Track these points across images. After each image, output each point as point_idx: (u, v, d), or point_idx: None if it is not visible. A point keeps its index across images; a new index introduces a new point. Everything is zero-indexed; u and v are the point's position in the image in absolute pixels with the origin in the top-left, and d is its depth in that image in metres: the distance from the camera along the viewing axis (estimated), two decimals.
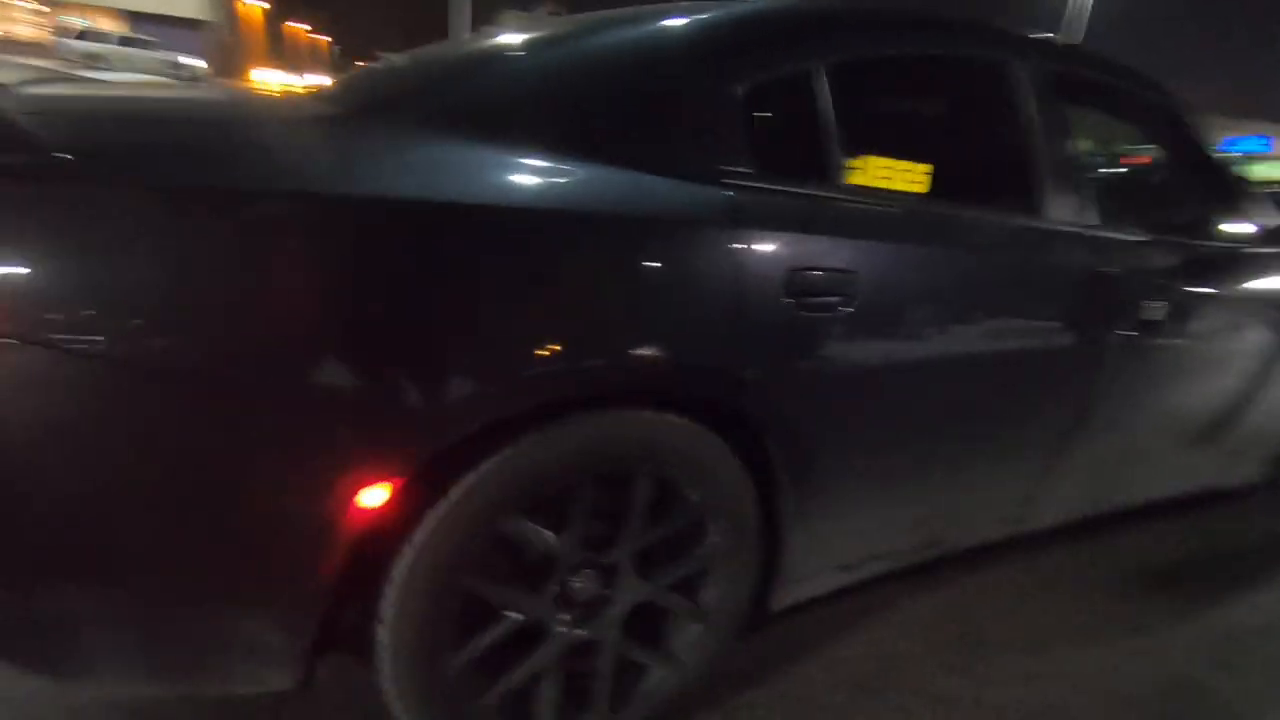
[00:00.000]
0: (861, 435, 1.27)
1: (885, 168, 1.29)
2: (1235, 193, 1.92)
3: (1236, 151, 10.45)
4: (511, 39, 1.30)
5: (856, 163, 1.25)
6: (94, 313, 0.75)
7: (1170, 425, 1.85)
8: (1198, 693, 1.52)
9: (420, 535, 0.93)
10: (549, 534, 1.04)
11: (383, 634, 0.96)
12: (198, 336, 0.79)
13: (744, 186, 1.09)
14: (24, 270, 0.74)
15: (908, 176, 1.31)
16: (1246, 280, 1.84)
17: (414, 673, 1.00)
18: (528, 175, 0.98)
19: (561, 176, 0.99)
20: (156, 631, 0.90)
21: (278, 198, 0.83)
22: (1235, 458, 2.17)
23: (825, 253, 1.14)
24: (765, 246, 1.08)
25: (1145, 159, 2.07)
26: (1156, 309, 1.58)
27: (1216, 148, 2.28)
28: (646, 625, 1.20)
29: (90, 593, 0.86)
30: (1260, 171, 10.97)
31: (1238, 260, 1.83)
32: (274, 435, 0.84)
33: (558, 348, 0.93)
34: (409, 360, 0.87)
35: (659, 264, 1.01)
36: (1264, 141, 16.25)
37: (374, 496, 0.89)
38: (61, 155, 0.79)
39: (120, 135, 0.91)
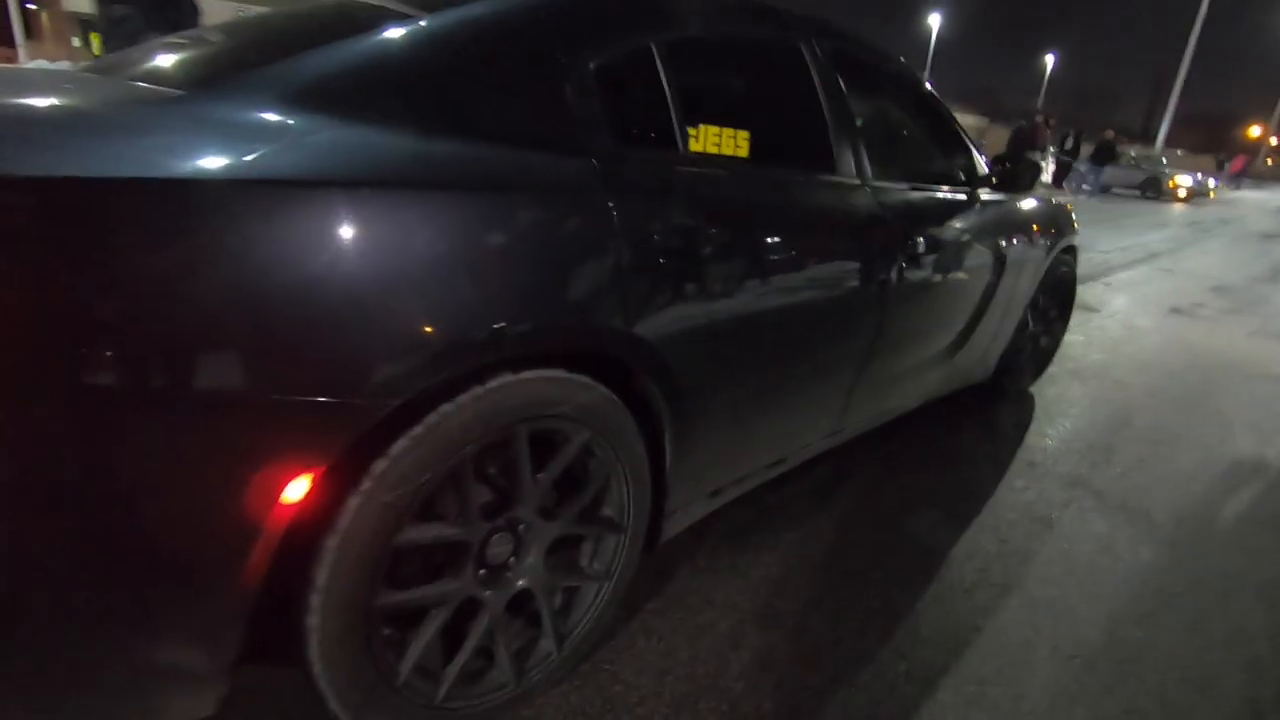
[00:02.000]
0: (721, 373, 1.44)
1: (715, 135, 1.45)
2: (964, 147, 2.39)
3: None
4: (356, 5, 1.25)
5: (694, 133, 1.40)
6: None
7: (932, 340, 2.28)
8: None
9: (344, 521, 0.93)
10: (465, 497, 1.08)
11: (313, 623, 0.95)
12: (62, 341, 0.71)
13: (608, 151, 1.19)
14: None
15: (733, 142, 1.49)
16: (977, 218, 2.31)
17: (346, 655, 1.00)
18: (404, 154, 0.98)
19: (438, 153, 1.01)
20: (58, 677, 0.81)
21: (147, 187, 0.76)
22: (979, 362, 2.71)
23: (681, 213, 1.28)
24: (635, 208, 1.19)
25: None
26: (921, 244, 1.95)
27: None
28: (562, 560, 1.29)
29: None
30: None
31: (971, 202, 2.29)
32: (226, 435, 0.80)
33: (445, 326, 0.94)
34: (335, 341, 0.85)
35: (546, 230, 1.08)
36: None
37: (295, 488, 0.87)
38: None
39: None
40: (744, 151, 1.51)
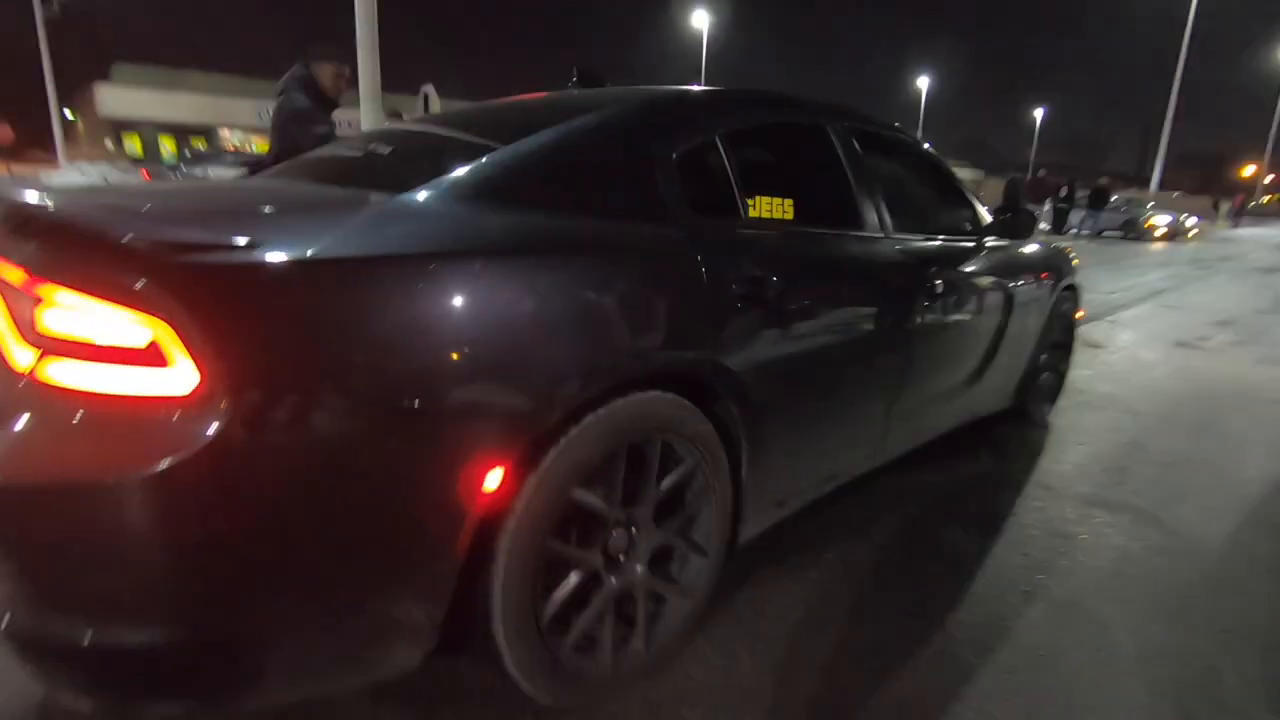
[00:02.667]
0: (784, 397, 1.73)
1: (767, 203, 1.79)
2: (968, 201, 2.74)
3: None
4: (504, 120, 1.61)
5: (752, 202, 1.74)
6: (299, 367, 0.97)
7: (954, 369, 2.56)
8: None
9: (521, 502, 1.21)
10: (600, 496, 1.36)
11: (495, 588, 1.21)
12: (383, 390, 1.02)
13: (692, 222, 1.52)
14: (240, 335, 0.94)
15: (780, 208, 1.83)
16: (985, 261, 2.63)
17: (521, 618, 1.26)
18: (545, 231, 1.31)
19: (593, 229, 1.35)
20: (340, 634, 1.09)
21: (411, 259, 1.09)
22: (998, 392, 2.98)
23: (755, 260, 1.61)
24: (715, 264, 1.51)
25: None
26: (939, 285, 2.26)
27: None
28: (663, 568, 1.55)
29: (289, 614, 1.04)
30: None
31: (979, 249, 2.61)
32: (444, 445, 1.09)
33: (602, 353, 1.27)
34: (516, 373, 1.16)
35: (654, 283, 1.40)
36: None
37: (493, 480, 1.15)
38: (239, 241, 0.98)
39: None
40: (790, 215, 1.84)
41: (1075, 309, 3.53)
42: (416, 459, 1.08)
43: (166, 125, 33.68)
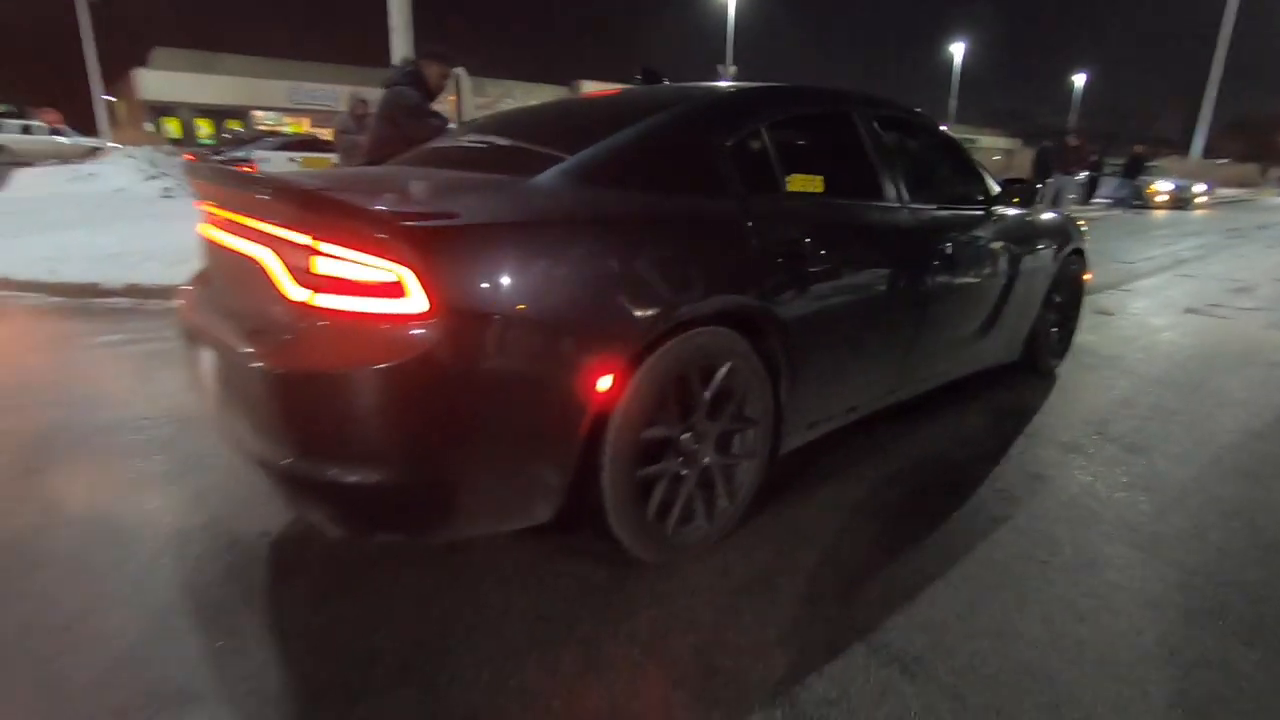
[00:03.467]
0: (819, 340, 2.16)
1: (801, 179, 2.20)
2: (978, 174, 3.10)
3: None
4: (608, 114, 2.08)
5: (790, 179, 2.15)
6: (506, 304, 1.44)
7: (964, 322, 2.95)
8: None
9: (624, 400, 1.66)
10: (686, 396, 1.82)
11: (607, 468, 1.68)
12: (538, 315, 1.48)
13: (742, 196, 1.95)
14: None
15: (812, 184, 2.23)
16: (992, 228, 3.00)
17: (623, 488, 1.73)
18: (660, 204, 1.78)
19: (669, 202, 1.80)
20: (503, 487, 1.56)
21: (549, 224, 1.54)
22: (1006, 345, 3.36)
23: (788, 227, 2.03)
24: (761, 229, 1.93)
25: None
26: (949, 248, 2.65)
27: None
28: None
29: (476, 468, 1.51)
30: None
31: (986, 217, 2.99)
32: (577, 353, 1.55)
33: (684, 297, 1.72)
34: (623, 305, 1.61)
35: (716, 244, 1.84)
36: None
37: (604, 381, 1.61)
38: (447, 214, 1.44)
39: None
40: (820, 189, 2.25)
41: (1082, 272, 3.87)
42: (558, 365, 1.53)
43: (202, 108, 34.60)
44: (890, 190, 2.50)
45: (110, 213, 8.86)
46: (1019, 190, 3.15)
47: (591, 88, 40.31)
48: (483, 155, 2.11)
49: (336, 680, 1.47)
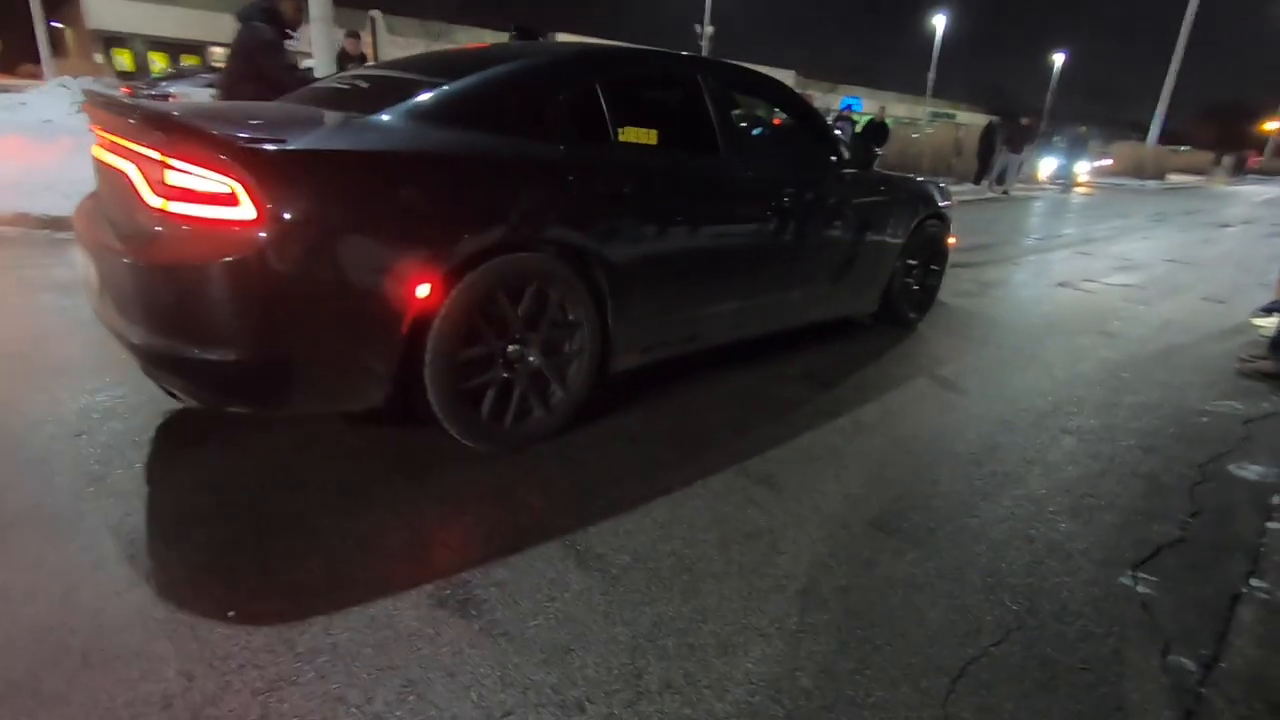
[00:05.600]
0: (646, 270, 2.50)
1: (634, 132, 2.51)
2: (829, 137, 3.44)
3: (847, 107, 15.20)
4: (463, 62, 2.36)
5: (622, 131, 2.46)
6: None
7: (807, 274, 3.32)
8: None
9: (443, 308, 1.98)
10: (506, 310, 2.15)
11: (428, 364, 2.00)
12: (355, 228, 1.80)
13: (572, 143, 2.26)
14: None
15: (645, 136, 2.54)
16: (836, 188, 3.36)
17: (444, 391, 2.06)
18: (489, 144, 2.08)
19: (497, 143, 2.10)
20: (333, 371, 1.88)
21: (373, 156, 1.84)
22: (857, 296, 3.76)
23: (615, 173, 2.35)
24: (585, 173, 2.25)
25: (778, 121, 3.61)
26: (785, 202, 2.99)
27: (840, 105, 3.91)
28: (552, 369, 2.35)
29: (306, 352, 1.83)
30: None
31: (831, 177, 3.34)
32: (391, 264, 1.86)
33: (501, 226, 2.04)
34: (440, 229, 1.92)
35: (538, 182, 2.15)
36: (857, 101, 22.44)
37: (422, 290, 1.92)
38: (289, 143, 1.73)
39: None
40: (653, 140, 2.57)
41: (944, 235, 4.26)
42: (376, 271, 1.85)
43: (157, 40, 33.17)
44: (728, 147, 2.82)
45: (27, 143, 8.74)
46: (860, 155, 3.49)
47: (566, 38, 39.75)
48: (343, 95, 2.38)
49: (184, 507, 1.81)
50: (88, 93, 2.26)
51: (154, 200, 1.74)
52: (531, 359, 2.28)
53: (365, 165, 1.83)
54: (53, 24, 29.64)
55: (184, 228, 1.71)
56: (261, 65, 3.60)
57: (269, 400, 1.89)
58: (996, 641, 1.62)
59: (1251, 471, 2.60)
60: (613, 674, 1.44)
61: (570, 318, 2.32)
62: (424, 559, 1.77)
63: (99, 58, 32.06)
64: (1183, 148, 37.37)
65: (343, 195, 1.78)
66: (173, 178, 1.70)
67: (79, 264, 2.20)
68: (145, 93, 11.28)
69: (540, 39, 2.99)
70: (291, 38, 3.94)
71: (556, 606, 1.62)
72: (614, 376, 2.58)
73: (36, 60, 26.31)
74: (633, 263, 2.44)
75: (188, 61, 32.05)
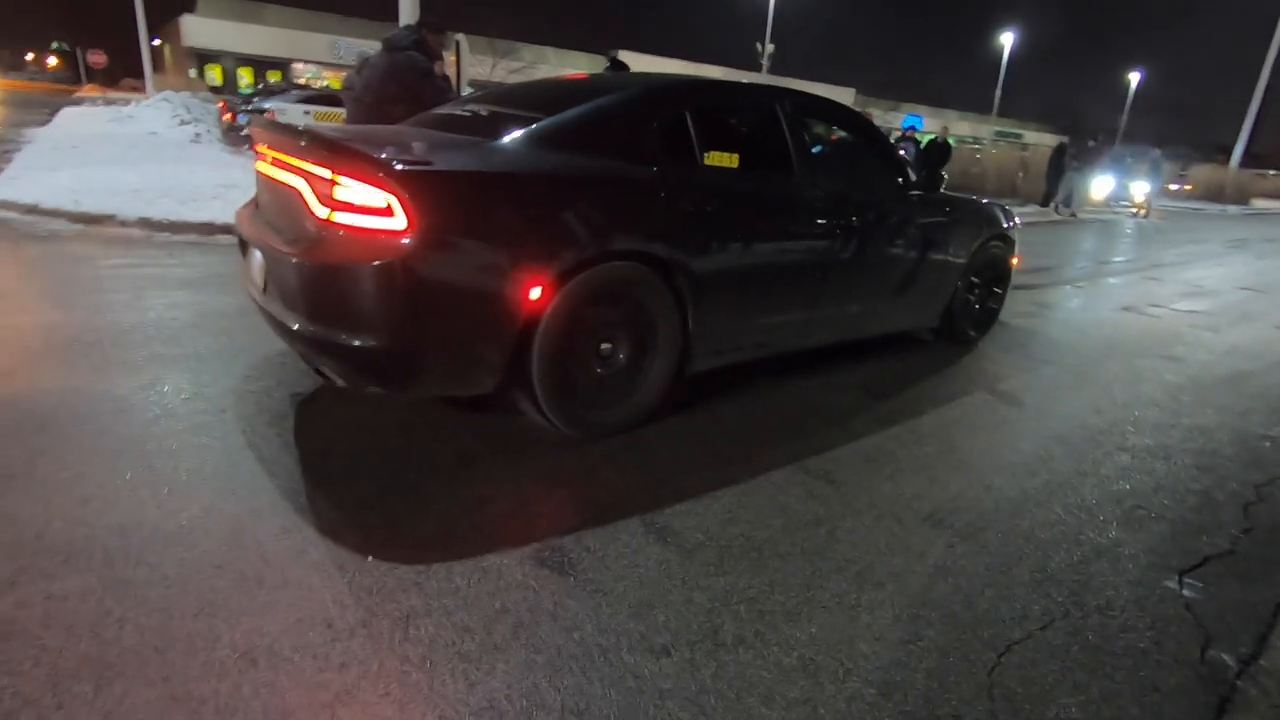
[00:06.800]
0: (724, 281, 2.74)
1: (718, 155, 2.75)
2: (897, 161, 3.62)
3: (910, 127, 14.51)
4: (567, 95, 2.67)
5: (708, 155, 2.70)
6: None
7: (871, 289, 3.49)
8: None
9: (550, 308, 2.25)
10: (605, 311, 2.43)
11: (535, 357, 2.28)
12: (485, 236, 2.10)
13: (663, 166, 2.53)
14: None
15: (727, 159, 2.78)
16: (902, 209, 3.52)
17: (549, 379, 2.34)
18: (592, 166, 2.37)
19: (600, 165, 2.39)
20: (457, 360, 2.19)
21: (499, 176, 2.13)
22: (918, 312, 3.90)
23: (700, 193, 2.60)
24: (674, 192, 2.51)
25: (847, 144, 3.81)
26: (854, 220, 3.18)
27: (902, 124, 4.12)
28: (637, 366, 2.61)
29: (438, 342, 2.13)
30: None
31: (898, 198, 3.51)
32: (510, 269, 2.14)
33: (602, 238, 2.32)
34: (551, 240, 2.20)
35: (634, 200, 2.41)
36: (918, 119, 21.37)
37: (535, 292, 2.20)
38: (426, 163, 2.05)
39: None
40: (735, 163, 2.80)
41: (1008, 255, 4.36)
42: (498, 274, 2.14)
43: (245, 57, 35.36)
44: (801, 170, 3.04)
45: (140, 153, 9.58)
46: (927, 179, 3.65)
47: (627, 57, 40.68)
48: (468, 121, 2.72)
49: (317, 475, 2.12)
50: (256, 120, 2.66)
51: (321, 211, 2.09)
52: (621, 356, 2.55)
53: (494, 184, 2.14)
54: (153, 42, 32.12)
55: (343, 234, 2.04)
56: (420, 91, 4.01)
57: (403, 382, 2.21)
58: (1041, 627, 1.77)
59: None
60: (692, 628, 1.65)
61: (656, 321, 2.58)
62: (524, 524, 2.02)
63: (193, 73, 34.36)
64: (1271, 172, 35.59)
65: (475, 209, 2.10)
66: (340, 192, 2.04)
67: (240, 262, 2.57)
68: (242, 108, 12.15)
69: (626, 69, 3.28)
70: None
71: (640, 572, 1.85)
72: (690, 376, 2.82)
73: (137, 75, 28.42)
74: (712, 274, 2.68)
75: (272, 77, 34.08)
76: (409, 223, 1.98)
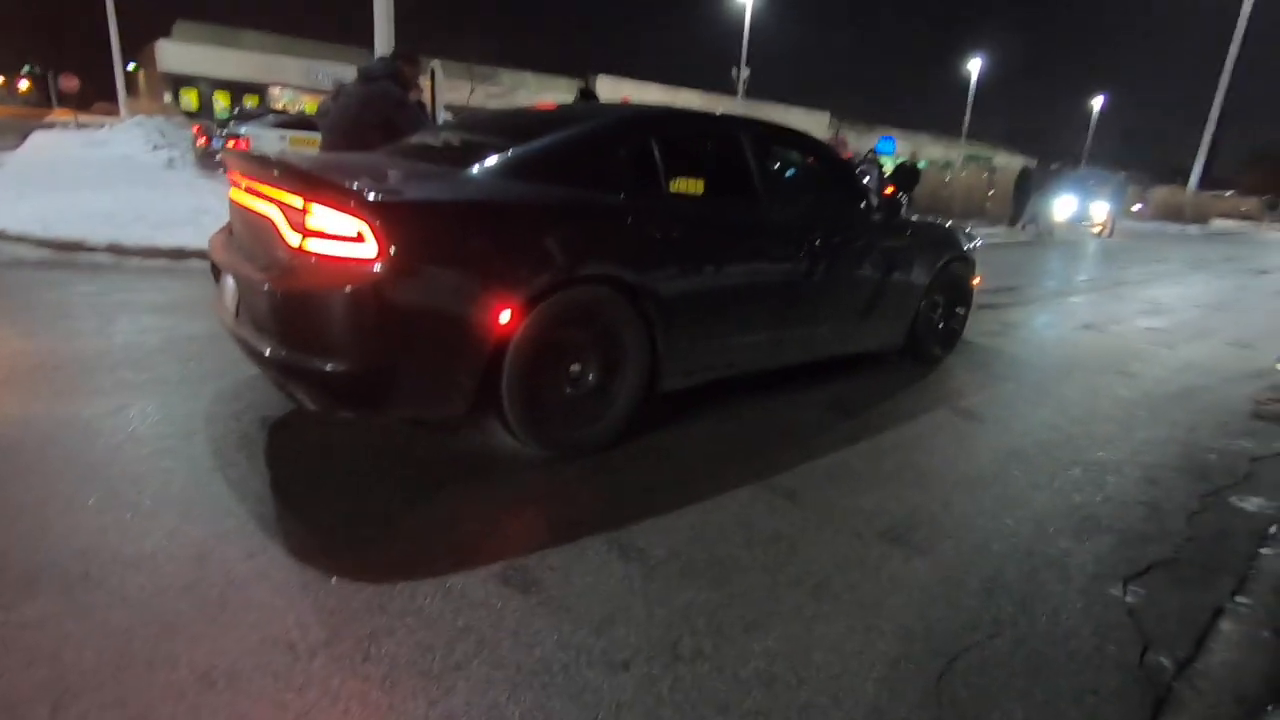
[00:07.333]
0: (691, 304, 2.81)
1: (683, 182, 2.84)
2: (858, 187, 3.75)
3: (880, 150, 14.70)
4: (534, 123, 2.75)
5: (673, 182, 2.80)
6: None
7: (836, 310, 3.59)
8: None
9: (520, 331, 2.31)
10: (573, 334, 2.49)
11: (505, 379, 2.33)
12: (453, 263, 2.16)
13: (629, 193, 2.62)
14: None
15: (693, 186, 2.87)
16: (862, 233, 3.65)
17: (518, 400, 2.39)
18: (560, 194, 2.44)
19: (568, 194, 2.47)
20: (427, 383, 2.23)
21: (468, 205, 2.21)
22: (883, 332, 4.01)
23: (666, 219, 2.69)
24: (641, 219, 2.59)
25: (809, 170, 3.95)
26: (817, 244, 3.29)
27: (873, 148, 4.29)
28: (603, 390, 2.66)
29: (409, 366, 2.17)
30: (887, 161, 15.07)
31: (859, 223, 3.64)
32: (480, 294, 2.19)
33: (569, 263, 2.38)
34: (520, 265, 2.26)
35: (601, 227, 2.50)
36: (891, 142, 22.07)
37: (504, 316, 2.26)
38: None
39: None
40: (700, 190, 2.90)
41: (969, 276, 4.51)
42: (468, 299, 2.20)
43: (222, 82, 35.28)
44: (765, 196, 3.14)
45: (113, 178, 9.47)
46: (888, 204, 3.79)
47: (606, 82, 41.43)
48: (439, 151, 2.81)
49: (286, 497, 2.13)
50: (228, 151, 2.73)
51: (293, 238, 2.14)
52: (591, 377, 2.61)
53: (463, 212, 2.23)
54: (127, 66, 31.97)
55: (315, 261, 2.09)
56: (397, 121, 4.06)
57: (373, 405, 2.24)
58: (990, 635, 1.84)
59: (1251, 504, 2.76)
60: (652, 642, 1.69)
61: (625, 343, 2.65)
62: (489, 545, 2.05)
63: (168, 97, 34.20)
64: (1227, 193, 36.82)
65: (445, 236, 2.17)
66: (312, 220, 2.10)
67: (213, 288, 2.59)
68: (219, 133, 12.11)
69: (595, 99, 3.40)
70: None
71: (604, 588, 1.89)
72: (660, 396, 2.88)
73: (111, 99, 28.24)
74: (680, 297, 2.76)
75: (249, 101, 34.03)
76: (379, 250, 2.03)
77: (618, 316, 2.59)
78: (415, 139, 3.12)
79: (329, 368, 2.09)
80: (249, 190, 2.41)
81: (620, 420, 2.72)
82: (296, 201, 2.12)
